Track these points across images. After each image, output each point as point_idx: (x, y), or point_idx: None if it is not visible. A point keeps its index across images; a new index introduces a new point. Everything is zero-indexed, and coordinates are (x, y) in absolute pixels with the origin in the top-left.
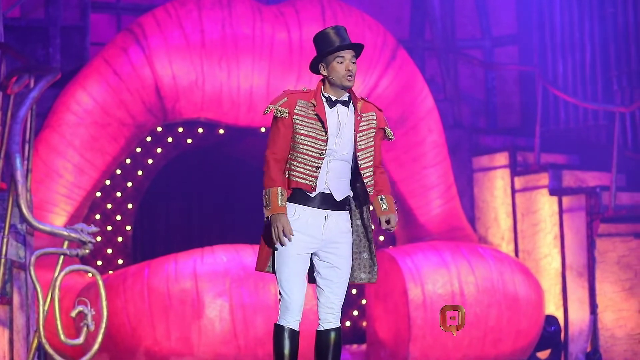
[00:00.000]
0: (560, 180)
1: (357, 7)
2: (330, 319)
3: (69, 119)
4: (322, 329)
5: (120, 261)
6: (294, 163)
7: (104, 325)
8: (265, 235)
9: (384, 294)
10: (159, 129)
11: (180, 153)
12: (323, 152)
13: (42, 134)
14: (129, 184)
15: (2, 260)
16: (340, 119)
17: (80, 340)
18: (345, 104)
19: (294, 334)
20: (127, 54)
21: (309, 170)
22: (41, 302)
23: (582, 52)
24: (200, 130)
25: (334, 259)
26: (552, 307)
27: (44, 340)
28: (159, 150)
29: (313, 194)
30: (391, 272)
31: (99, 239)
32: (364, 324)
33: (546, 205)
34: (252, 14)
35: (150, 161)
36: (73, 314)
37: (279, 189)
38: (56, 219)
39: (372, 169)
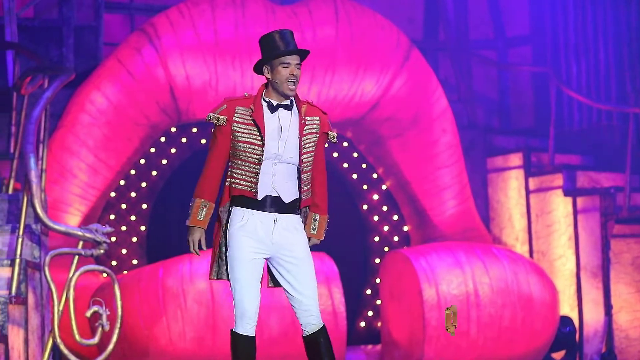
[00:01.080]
0: (574, 181)
1: (370, 8)
2: (312, 321)
3: (83, 119)
4: (307, 334)
5: (134, 261)
6: (235, 170)
7: (118, 325)
8: (213, 241)
9: (398, 294)
10: (173, 129)
11: (194, 153)
12: (260, 157)
13: (56, 134)
14: (144, 184)
15: (17, 260)
16: (281, 123)
17: (95, 340)
18: (287, 107)
19: (251, 341)
20: (141, 54)
21: (248, 176)
22: (56, 302)
23: (596, 53)
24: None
25: (292, 260)
26: (567, 308)
27: (58, 340)
28: (173, 150)
29: (259, 198)
30: (405, 272)
31: (113, 239)
32: (379, 324)
33: (560, 206)
34: (265, 14)
35: (164, 161)
36: (88, 314)
37: (203, 201)
38: (70, 219)
39: (309, 174)
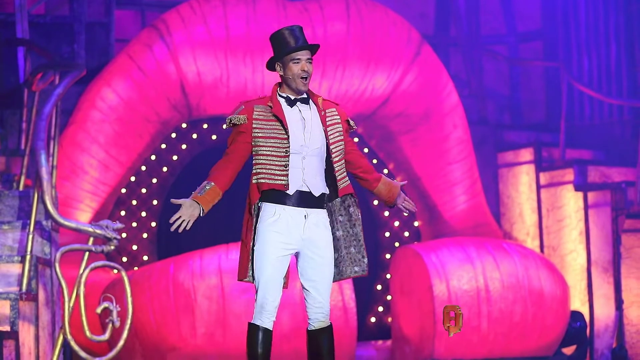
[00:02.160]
0: (585, 175)
1: (381, 3)
2: (321, 318)
3: (94, 115)
4: (313, 328)
5: (145, 257)
6: (261, 167)
7: (129, 321)
8: (243, 241)
9: (408, 290)
10: (184, 125)
11: (205, 149)
12: (287, 149)
13: (67, 130)
14: (154, 180)
15: (28, 256)
16: (303, 115)
17: (106, 336)
18: (305, 101)
19: (269, 334)
20: (152, 50)
21: (277, 169)
22: (66, 299)
23: (608, 48)
24: (225, 126)
25: (317, 258)
26: (578, 302)
27: (69, 337)
28: (183, 146)
29: (291, 192)
30: (416, 268)
31: (124, 235)
32: (389, 319)
33: (571, 200)
34: (276, 10)
35: (175, 157)
36: (98, 310)
37: (207, 182)
38: (81, 216)
39: (343, 162)
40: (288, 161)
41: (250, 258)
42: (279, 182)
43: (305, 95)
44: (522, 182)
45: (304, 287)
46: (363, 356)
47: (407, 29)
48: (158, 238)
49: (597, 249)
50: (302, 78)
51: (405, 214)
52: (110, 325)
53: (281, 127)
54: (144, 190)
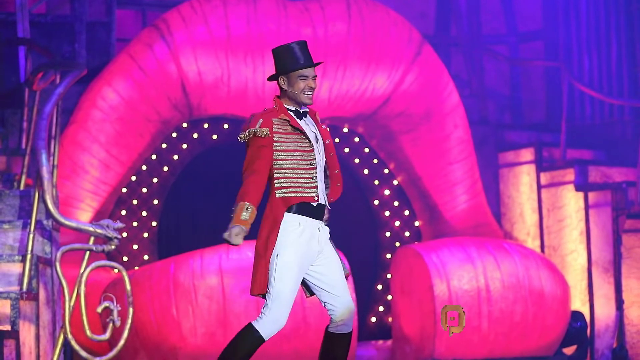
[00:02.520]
0: (586, 175)
1: (382, 3)
2: (347, 322)
3: (95, 114)
4: (338, 332)
5: (145, 257)
6: (285, 181)
7: (129, 321)
8: (259, 254)
9: (409, 289)
10: (185, 125)
11: (205, 149)
12: (312, 161)
13: (67, 130)
14: (155, 180)
15: (28, 256)
16: (312, 129)
17: (106, 336)
18: (305, 114)
19: (261, 344)
20: (153, 50)
21: (305, 182)
22: (67, 298)
23: (608, 48)
24: (225, 126)
25: (332, 263)
26: (578, 303)
27: (70, 336)
28: (184, 146)
29: (315, 204)
30: (416, 268)
31: (124, 234)
32: (390, 319)
33: (572, 201)
34: (277, 9)
35: (175, 157)
36: (99, 309)
37: (246, 203)
38: (82, 215)
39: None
40: (316, 173)
41: (268, 272)
42: (310, 194)
43: (306, 108)
44: (522, 182)
45: (327, 292)
46: (363, 356)
47: (408, 29)
48: (158, 237)
49: (598, 249)
50: (307, 93)
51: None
52: (110, 325)
53: (305, 140)
54: (144, 190)
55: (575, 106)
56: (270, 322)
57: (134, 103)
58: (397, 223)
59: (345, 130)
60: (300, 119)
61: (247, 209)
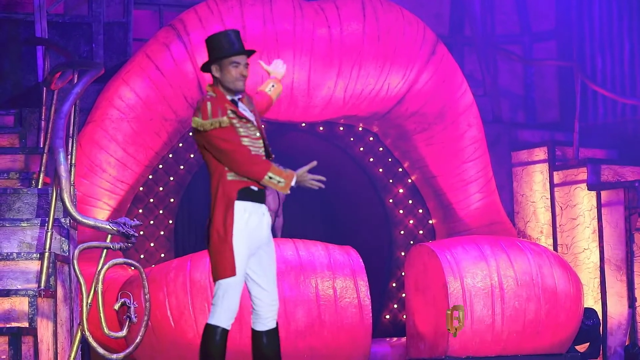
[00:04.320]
0: (598, 174)
1: (397, 3)
2: (274, 316)
3: (112, 114)
4: (266, 328)
5: (162, 255)
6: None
7: (146, 318)
8: (217, 241)
9: (423, 287)
10: None
11: None
12: (261, 149)
13: (85, 129)
14: (171, 179)
15: (46, 254)
16: (247, 114)
17: (123, 332)
18: (240, 100)
19: (227, 334)
20: (169, 49)
21: None
22: (84, 295)
23: (621, 47)
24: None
25: (269, 254)
26: (591, 300)
27: (87, 333)
28: None
29: (257, 189)
30: (431, 265)
31: (141, 232)
32: (404, 317)
33: (585, 199)
34: (292, 9)
35: (192, 156)
36: (116, 306)
37: (272, 165)
38: (99, 213)
39: None
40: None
41: (234, 254)
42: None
43: (240, 95)
44: (536, 181)
45: (257, 284)
46: (378, 353)
47: (422, 29)
48: (175, 235)
49: (610, 247)
50: (239, 81)
51: None
52: (127, 322)
53: (253, 127)
54: (161, 189)
55: (588, 105)
56: (225, 311)
57: (151, 102)
58: (411, 221)
59: (360, 129)
60: (237, 106)
61: (277, 165)
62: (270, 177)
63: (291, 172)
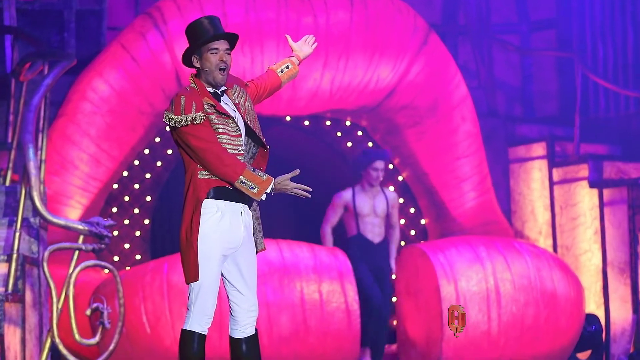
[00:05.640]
0: (600, 171)
1: None
2: (253, 322)
3: (85, 107)
4: (245, 335)
5: (138, 257)
6: None
7: (120, 324)
8: (185, 243)
9: (415, 291)
10: None
11: None
12: (240, 147)
13: (56, 123)
14: (148, 176)
15: (14, 255)
16: (231, 107)
17: (96, 339)
18: (223, 94)
19: (205, 340)
20: (146, 39)
21: None
22: (55, 300)
23: (624, 37)
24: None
25: (250, 258)
26: (593, 305)
27: (57, 340)
28: None
29: (231, 187)
30: (422, 268)
31: (115, 233)
32: (394, 322)
33: (586, 198)
34: None
35: (169, 152)
36: (88, 312)
37: (247, 166)
38: (71, 212)
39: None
40: (242, 158)
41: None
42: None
43: (224, 88)
44: (534, 179)
45: (234, 289)
46: None
47: (413, 17)
48: (151, 236)
49: (613, 248)
50: (220, 69)
51: None
52: (100, 328)
53: (233, 123)
54: (137, 186)
55: (589, 98)
56: (198, 315)
57: (126, 95)
58: (402, 221)
59: (348, 123)
60: (220, 100)
61: (252, 170)
62: (243, 182)
63: (268, 179)
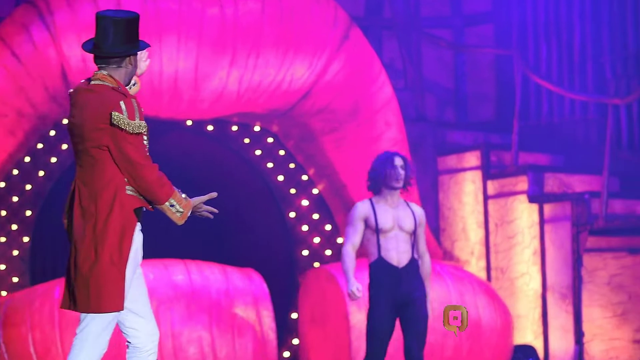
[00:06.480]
0: (541, 184)
1: None
2: (155, 350)
3: None
4: None
5: (15, 279)
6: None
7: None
8: (109, 266)
9: (321, 318)
10: (65, 121)
11: None
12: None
13: None
14: (28, 187)
15: None
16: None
17: None
18: None
19: None
20: (29, 31)
21: None
22: None
23: (570, 33)
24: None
25: (140, 274)
26: (530, 335)
27: None
28: (64, 146)
29: (145, 209)
30: (330, 293)
31: None
32: (295, 354)
33: (524, 214)
34: None
35: (53, 160)
36: None
37: (175, 190)
38: None
39: None
40: None
41: (125, 284)
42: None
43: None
44: (466, 192)
45: (131, 312)
46: None
47: (333, 9)
48: (31, 256)
49: (554, 271)
50: (137, 82)
51: None
52: None
53: (146, 138)
54: (15, 199)
55: (530, 102)
56: (96, 349)
57: (4, 94)
58: (317, 239)
59: (257, 129)
60: None
61: (176, 194)
62: (172, 205)
63: (189, 201)
